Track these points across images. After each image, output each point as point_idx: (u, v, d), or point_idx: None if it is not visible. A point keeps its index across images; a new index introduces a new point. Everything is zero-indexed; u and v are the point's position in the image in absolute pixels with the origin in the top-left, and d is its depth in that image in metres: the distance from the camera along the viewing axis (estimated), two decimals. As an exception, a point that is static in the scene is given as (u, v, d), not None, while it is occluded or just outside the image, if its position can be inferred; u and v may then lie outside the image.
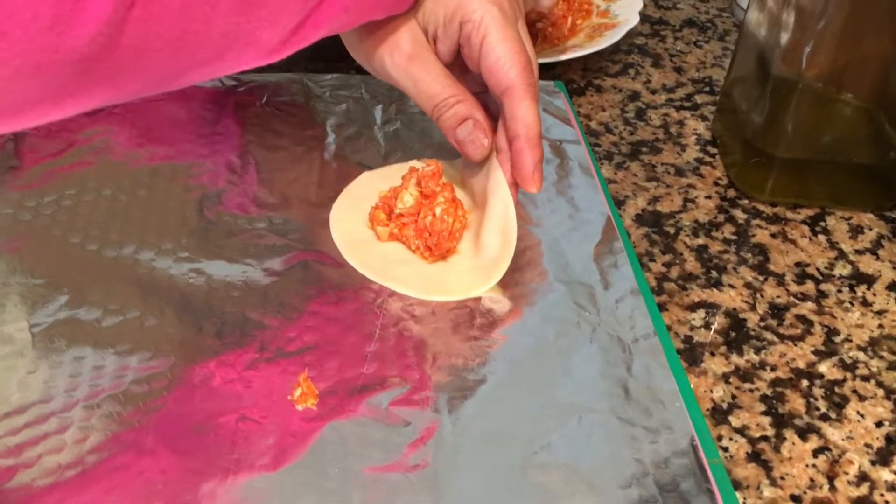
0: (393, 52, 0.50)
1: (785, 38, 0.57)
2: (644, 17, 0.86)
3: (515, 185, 0.51)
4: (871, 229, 0.61)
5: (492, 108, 0.52)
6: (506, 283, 0.51)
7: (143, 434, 0.41)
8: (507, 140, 0.50)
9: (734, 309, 0.54)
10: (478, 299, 0.50)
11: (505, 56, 0.48)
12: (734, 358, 0.50)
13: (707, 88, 0.76)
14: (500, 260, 0.50)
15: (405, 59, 0.50)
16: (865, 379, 0.50)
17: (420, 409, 0.43)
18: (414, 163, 0.58)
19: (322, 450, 0.41)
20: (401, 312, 0.49)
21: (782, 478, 0.44)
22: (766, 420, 0.47)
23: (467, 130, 0.50)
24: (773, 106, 0.59)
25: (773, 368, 0.50)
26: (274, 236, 0.53)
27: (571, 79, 0.75)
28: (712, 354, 0.50)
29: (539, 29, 0.77)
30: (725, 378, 0.49)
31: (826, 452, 0.45)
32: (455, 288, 0.50)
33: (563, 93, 0.69)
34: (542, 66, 0.75)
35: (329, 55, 0.76)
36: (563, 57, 0.73)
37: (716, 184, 0.65)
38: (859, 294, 0.56)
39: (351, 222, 0.54)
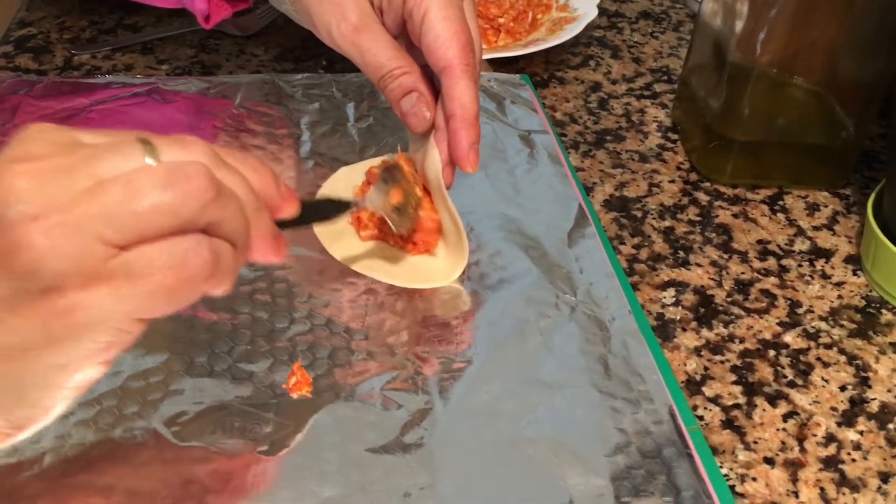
0: (340, 21, 0.50)
1: (739, 26, 0.60)
2: (602, 10, 0.88)
3: (451, 165, 0.51)
4: (826, 206, 0.64)
5: (436, 82, 0.52)
6: (486, 269, 0.53)
7: (143, 427, 0.42)
8: (445, 119, 0.50)
9: (702, 286, 0.56)
10: (460, 285, 0.52)
11: (444, 34, 0.48)
12: (704, 332, 0.53)
13: (665, 77, 0.79)
14: (460, 233, 0.51)
15: (352, 30, 0.50)
16: (828, 347, 0.52)
17: (412, 391, 0.45)
18: (388, 157, 0.59)
19: (319, 435, 0.43)
20: (387, 301, 0.51)
21: (755, 442, 0.46)
22: (738, 389, 0.49)
23: (411, 102, 0.50)
24: (730, 92, 0.62)
25: (742, 341, 0.52)
26: (257, 233, 0.54)
27: (535, 72, 0.77)
28: (684, 330, 0.53)
29: (501, 24, 0.79)
30: (697, 351, 0.51)
31: (795, 417, 0.48)
32: (437, 274, 0.52)
33: (529, 85, 0.71)
34: (506, 60, 0.77)
35: (297, 56, 0.77)
36: (526, 51, 0.75)
37: (678, 168, 0.67)
38: (818, 268, 0.58)
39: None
